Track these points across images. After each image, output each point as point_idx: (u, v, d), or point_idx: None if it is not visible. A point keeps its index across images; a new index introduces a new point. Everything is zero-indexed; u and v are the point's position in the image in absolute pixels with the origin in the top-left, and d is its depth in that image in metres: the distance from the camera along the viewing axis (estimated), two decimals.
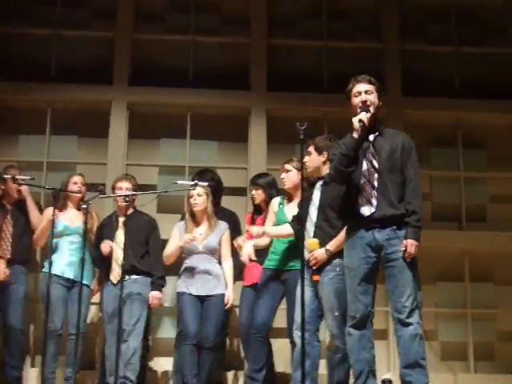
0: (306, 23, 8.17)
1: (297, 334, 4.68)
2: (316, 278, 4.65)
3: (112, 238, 5.73)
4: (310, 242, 4.68)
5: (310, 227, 4.78)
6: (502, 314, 7.48)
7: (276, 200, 5.54)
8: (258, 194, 5.85)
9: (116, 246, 5.68)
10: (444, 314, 7.34)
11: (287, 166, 5.40)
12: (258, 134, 7.59)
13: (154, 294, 5.68)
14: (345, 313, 4.53)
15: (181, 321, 5.60)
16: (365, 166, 4.36)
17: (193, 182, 5.37)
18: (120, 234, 5.62)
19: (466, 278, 7.47)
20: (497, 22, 8.30)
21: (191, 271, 5.55)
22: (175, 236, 5.70)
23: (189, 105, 7.69)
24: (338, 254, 4.66)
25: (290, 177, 5.35)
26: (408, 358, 4.21)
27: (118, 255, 5.59)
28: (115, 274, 5.66)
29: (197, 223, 5.68)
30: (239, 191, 7.37)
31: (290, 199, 5.42)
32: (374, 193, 4.30)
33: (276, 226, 5.23)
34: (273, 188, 5.84)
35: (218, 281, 5.56)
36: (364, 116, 4.29)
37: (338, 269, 4.66)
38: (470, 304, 7.36)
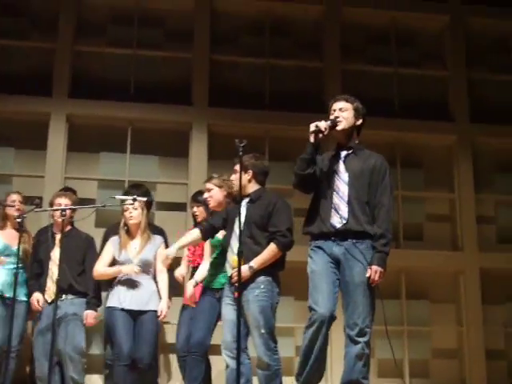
0: (249, 40, 8.23)
1: (226, 354, 4.67)
2: (236, 294, 4.60)
3: (48, 256, 5.59)
4: (234, 257, 4.63)
5: (234, 243, 4.76)
6: (437, 332, 7.61)
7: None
8: (200, 212, 5.80)
9: (52, 264, 5.56)
10: (380, 332, 7.40)
11: (209, 185, 5.38)
12: (198, 150, 7.58)
13: (89, 313, 5.55)
14: (271, 329, 4.58)
15: (113, 339, 5.47)
16: (336, 181, 4.42)
17: (131, 197, 5.30)
18: (56, 252, 5.48)
19: (403, 295, 7.58)
20: (435, 45, 8.51)
21: (124, 285, 5.44)
22: (108, 251, 5.58)
23: (130, 119, 7.63)
24: (263, 271, 4.66)
25: (214, 195, 5.34)
26: (350, 375, 4.25)
27: (54, 273, 5.47)
28: (50, 292, 5.52)
29: (131, 237, 5.59)
30: (179, 207, 7.34)
31: None
32: (345, 207, 4.35)
33: (183, 237, 5.15)
34: None
35: (151, 296, 5.45)
36: (322, 123, 4.33)
37: (262, 286, 4.65)
38: (406, 321, 7.47)
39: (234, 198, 5.21)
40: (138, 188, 6.03)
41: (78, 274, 5.61)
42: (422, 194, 8.06)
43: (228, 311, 4.68)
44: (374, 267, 4.22)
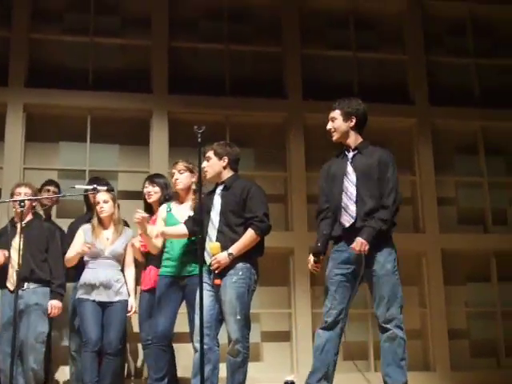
0: (208, 26, 8.17)
1: (197, 340, 4.66)
2: (217, 281, 4.64)
3: (8, 246, 5.52)
4: (212, 245, 4.66)
5: (211, 232, 4.77)
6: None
7: (163, 207, 5.50)
8: (155, 192, 5.75)
9: (13, 252, 5.50)
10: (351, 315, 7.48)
11: (180, 166, 5.37)
12: (159, 138, 7.52)
13: (54, 303, 5.52)
14: (247, 316, 4.65)
15: (81, 328, 5.47)
16: (345, 182, 4.64)
17: (91, 187, 5.26)
18: (18, 240, 5.43)
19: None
20: (394, 29, 8.55)
21: (94, 276, 5.44)
22: (80, 238, 5.58)
23: (88, 107, 7.54)
24: (241, 258, 4.69)
25: (184, 179, 5.33)
26: (386, 358, 4.48)
27: (16, 261, 5.41)
28: (12, 280, 5.47)
29: (104, 227, 5.61)
30: (141, 195, 7.27)
31: (180, 202, 5.40)
32: (353, 206, 4.54)
33: (171, 226, 5.16)
34: (169, 189, 5.77)
35: (120, 288, 5.47)
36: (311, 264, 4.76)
37: (240, 273, 4.69)
38: (369, 305, 7.52)
39: (201, 186, 5.21)
40: (96, 181, 5.97)
41: (40, 261, 5.55)
42: None
43: (204, 297, 4.66)
44: (358, 238, 4.45)
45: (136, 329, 6.13)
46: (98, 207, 5.58)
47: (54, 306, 5.52)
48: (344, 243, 4.60)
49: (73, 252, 5.51)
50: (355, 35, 8.44)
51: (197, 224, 4.78)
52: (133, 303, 5.51)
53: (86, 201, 6.23)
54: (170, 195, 5.69)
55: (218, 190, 4.91)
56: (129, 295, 5.54)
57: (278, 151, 7.91)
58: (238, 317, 4.62)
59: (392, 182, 4.60)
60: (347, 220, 4.56)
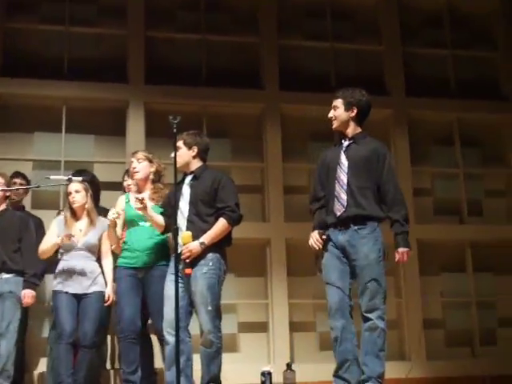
0: (185, 16, 8.13)
1: (168, 332, 4.66)
2: (188, 271, 4.59)
3: None
4: (184, 235, 4.64)
5: (181, 221, 4.74)
6: None
7: (122, 197, 5.46)
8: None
9: None
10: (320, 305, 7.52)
11: (139, 156, 5.33)
12: (135, 128, 7.48)
13: (27, 292, 5.47)
14: (218, 307, 4.66)
15: (56, 319, 5.43)
16: (338, 171, 4.64)
17: (66, 177, 5.21)
18: None
19: None
20: (371, 20, 8.57)
21: (68, 269, 5.39)
22: (53, 230, 5.52)
23: (64, 97, 7.47)
24: (211, 248, 4.69)
25: (142, 168, 5.30)
26: (365, 348, 4.47)
27: None
28: None
29: (77, 218, 5.53)
30: (117, 186, 7.22)
31: (138, 192, 5.33)
32: (344, 195, 4.56)
33: (153, 212, 5.09)
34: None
35: (95, 279, 5.41)
36: (314, 243, 4.66)
37: (210, 263, 4.69)
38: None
39: (160, 178, 5.24)
40: (80, 173, 5.90)
41: (12, 252, 5.51)
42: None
43: (173, 289, 4.66)
44: (401, 249, 4.56)
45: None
46: (69, 197, 5.49)
47: (28, 295, 5.47)
48: (334, 230, 4.60)
49: (48, 243, 5.46)
50: (332, 26, 8.44)
51: (168, 217, 4.82)
52: (110, 293, 5.44)
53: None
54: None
55: (187, 180, 4.89)
56: (106, 286, 5.48)
57: (254, 142, 7.90)
58: (209, 307, 4.62)
59: (393, 176, 4.66)
60: (339, 209, 4.56)
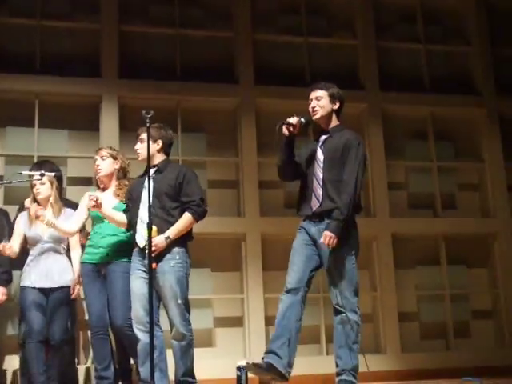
0: (159, 10, 8.08)
1: (138, 328, 4.64)
2: (153, 265, 4.55)
3: None
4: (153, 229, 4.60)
5: (144, 214, 4.70)
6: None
7: (87, 193, 5.41)
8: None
9: None
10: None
11: (103, 153, 5.29)
12: (109, 123, 7.42)
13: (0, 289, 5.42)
14: (187, 300, 4.68)
15: (24, 317, 5.36)
16: (315, 166, 4.67)
17: (39, 173, 5.14)
18: None
19: None
20: (345, 14, 8.58)
21: (36, 262, 5.30)
22: (19, 228, 5.43)
23: (36, 92, 7.39)
24: (177, 242, 4.69)
25: (106, 165, 5.25)
26: (338, 341, 4.49)
27: None
28: None
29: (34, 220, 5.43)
30: (91, 181, 7.17)
31: (103, 189, 5.30)
32: (320, 190, 4.59)
33: (113, 210, 5.07)
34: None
35: (62, 272, 5.33)
36: (292, 119, 4.59)
37: (177, 256, 4.69)
38: (322, 289, 7.58)
39: (125, 174, 5.21)
40: (43, 164, 5.84)
41: None
42: None
43: (139, 284, 4.65)
44: (326, 232, 4.43)
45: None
46: (34, 189, 5.41)
47: None
48: (308, 222, 4.64)
49: (15, 240, 5.36)
50: (306, 20, 8.44)
51: (131, 213, 4.84)
52: (76, 286, 5.38)
53: None
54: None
55: (150, 173, 4.84)
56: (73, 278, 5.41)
57: (229, 136, 7.89)
58: (179, 301, 4.62)
59: (355, 165, 4.58)
60: (314, 204, 4.60)
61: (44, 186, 5.40)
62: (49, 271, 5.29)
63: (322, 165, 4.65)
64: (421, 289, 8.05)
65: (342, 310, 4.48)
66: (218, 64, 8.03)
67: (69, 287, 5.33)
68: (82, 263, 5.22)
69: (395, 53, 8.67)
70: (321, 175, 4.62)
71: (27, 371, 5.41)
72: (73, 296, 5.38)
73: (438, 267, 8.11)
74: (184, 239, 4.76)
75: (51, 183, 5.44)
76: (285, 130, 4.59)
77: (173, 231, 4.67)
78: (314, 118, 4.73)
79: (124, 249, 5.06)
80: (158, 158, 4.91)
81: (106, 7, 7.77)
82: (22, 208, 5.87)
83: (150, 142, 4.80)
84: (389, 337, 7.60)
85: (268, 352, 4.49)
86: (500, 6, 8.97)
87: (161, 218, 4.69)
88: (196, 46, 8.07)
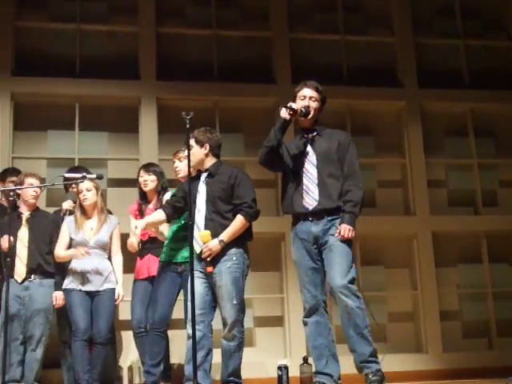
0: (195, 11, 8.12)
1: (190, 325, 4.67)
2: (209, 269, 4.61)
3: (13, 236, 5.42)
4: (202, 234, 4.63)
5: (199, 220, 4.75)
6: (392, 296, 7.71)
7: (169, 193, 5.48)
8: (152, 180, 5.72)
9: (19, 244, 5.49)
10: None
11: (181, 154, 5.41)
12: (148, 124, 7.49)
13: (58, 294, 5.51)
14: (242, 301, 4.68)
15: (70, 317, 5.45)
16: (306, 164, 4.67)
17: (81, 175, 5.23)
18: (24, 232, 5.51)
19: (358, 262, 7.65)
20: (382, 11, 8.53)
21: (81, 267, 5.40)
22: (65, 232, 5.52)
23: (77, 95, 7.49)
24: (233, 243, 4.70)
25: (184, 166, 5.33)
26: (347, 329, 4.46)
27: (22, 252, 5.46)
28: (19, 272, 5.48)
29: (87, 217, 5.54)
30: (131, 183, 7.23)
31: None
32: (315, 189, 4.58)
33: (150, 216, 5.13)
34: (164, 178, 5.77)
35: (107, 276, 5.43)
36: (296, 105, 4.61)
37: (234, 258, 4.69)
38: (362, 287, 7.52)
39: (189, 172, 5.23)
40: (78, 170, 5.91)
41: (45, 253, 5.57)
42: (374, 161, 8.10)
43: (197, 284, 4.66)
44: (343, 225, 4.48)
45: (123, 316, 6.15)
46: (80, 195, 5.50)
47: (60, 297, 5.49)
48: (303, 222, 4.64)
49: (63, 252, 5.46)
50: (343, 18, 8.41)
51: (177, 211, 4.91)
52: (120, 291, 5.48)
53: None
54: (166, 183, 5.70)
55: (203, 178, 4.86)
56: (116, 283, 5.50)
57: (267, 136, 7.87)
58: (234, 301, 4.63)
59: (356, 164, 4.68)
60: (310, 203, 4.60)
61: (90, 193, 5.50)
62: (93, 276, 5.39)
63: (315, 162, 4.65)
64: (462, 287, 7.96)
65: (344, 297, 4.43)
66: (256, 64, 8.05)
67: (112, 290, 5.42)
68: (160, 262, 5.32)
69: (433, 49, 8.60)
70: (314, 173, 4.62)
71: (71, 370, 5.50)
72: (118, 302, 5.47)
73: (479, 265, 8.01)
74: (242, 240, 4.77)
75: (97, 190, 5.53)
76: (286, 114, 4.59)
77: (226, 234, 4.67)
78: (308, 117, 4.70)
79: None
80: (209, 162, 4.89)
81: (144, 10, 7.84)
82: (61, 212, 5.92)
83: (198, 147, 4.84)
84: (430, 336, 7.53)
85: (317, 373, 4.58)
86: None
87: (216, 222, 4.70)
88: (233, 46, 8.10)
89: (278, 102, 7.68)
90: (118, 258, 5.55)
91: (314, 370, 4.62)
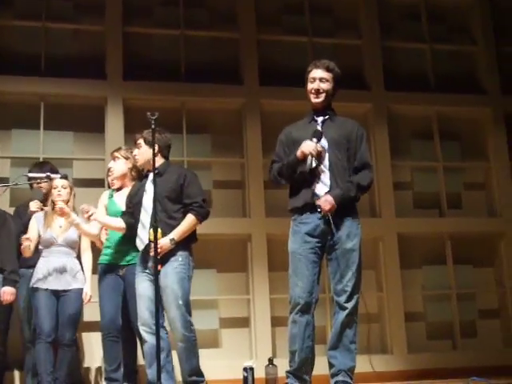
0: (163, 11, 8.08)
1: (144, 330, 4.66)
2: (158, 267, 4.58)
3: None
4: (152, 232, 4.60)
5: (145, 219, 4.73)
6: None
7: (105, 193, 5.51)
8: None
9: None
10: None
11: (116, 154, 5.39)
12: (114, 124, 7.43)
13: (6, 289, 5.42)
14: (188, 302, 4.67)
15: (34, 318, 5.40)
16: None
17: (45, 175, 5.18)
18: None
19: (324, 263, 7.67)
20: (350, 14, 8.57)
21: (48, 264, 5.35)
22: (33, 227, 5.49)
23: (41, 94, 7.40)
24: (181, 245, 4.71)
25: (118, 165, 5.35)
26: (335, 340, 4.34)
27: None
28: None
29: (57, 215, 5.50)
30: (97, 182, 7.19)
31: (118, 189, 5.45)
32: (327, 173, 4.34)
33: (108, 217, 5.14)
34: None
35: (74, 276, 5.39)
36: (314, 149, 4.28)
37: (180, 259, 4.71)
38: (327, 289, 7.57)
39: (139, 172, 5.25)
40: (44, 165, 5.88)
41: None
42: None
43: (145, 287, 4.66)
44: (328, 196, 4.26)
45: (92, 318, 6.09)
46: (54, 191, 5.47)
47: (8, 292, 5.38)
48: (309, 214, 4.34)
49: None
50: (311, 20, 8.43)
51: (131, 216, 4.87)
52: (88, 291, 5.43)
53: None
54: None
55: (150, 177, 4.83)
56: (85, 282, 5.46)
57: (234, 137, 7.89)
58: (180, 302, 4.62)
59: (368, 157, 4.50)
60: (321, 189, 4.32)
61: (65, 191, 5.50)
62: (60, 274, 5.34)
63: (326, 147, 4.37)
64: (427, 289, 8.03)
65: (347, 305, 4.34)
66: (223, 65, 8.03)
67: (80, 289, 5.38)
68: (100, 264, 5.26)
69: (400, 52, 8.66)
70: (326, 158, 4.35)
71: (34, 371, 5.44)
72: (86, 302, 5.42)
73: (444, 267, 8.08)
74: (187, 242, 4.77)
75: (71, 189, 5.53)
76: (300, 154, 4.34)
77: (177, 233, 4.68)
78: (314, 101, 4.48)
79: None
80: (157, 162, 4.80)
81: (111, 9, 7.77)
82: (23, 208, 5.87)
83: (147, 147, 4.84)
84: (395, 337, 7.58)
85: (296, 377, 4.38)
86: (504, 3, 8.93)
87: (163, 222, 4.66)
88: (200, 47, 8.07)
89: (245, 103, 7.77)
90: (87, 256, 5.51)
91: (288, 369, 4.43)
